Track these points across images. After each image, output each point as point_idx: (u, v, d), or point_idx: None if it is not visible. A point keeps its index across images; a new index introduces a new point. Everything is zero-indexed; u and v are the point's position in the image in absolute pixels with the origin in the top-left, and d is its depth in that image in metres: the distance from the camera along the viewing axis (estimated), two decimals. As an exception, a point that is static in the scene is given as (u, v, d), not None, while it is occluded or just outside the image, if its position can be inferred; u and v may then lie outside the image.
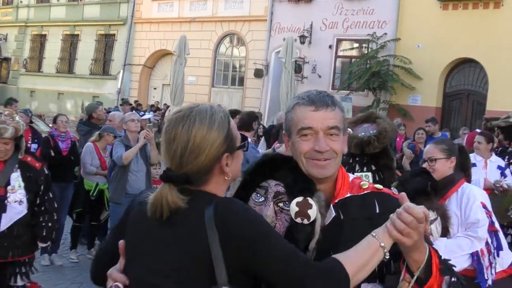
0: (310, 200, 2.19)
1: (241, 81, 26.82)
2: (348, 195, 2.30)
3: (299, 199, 2.20)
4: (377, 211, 2.26)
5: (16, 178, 5.27)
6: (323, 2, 23.20)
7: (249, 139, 9.04)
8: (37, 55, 35.73)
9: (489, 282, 4.33)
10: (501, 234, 4.69)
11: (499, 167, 7.69)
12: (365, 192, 2.32)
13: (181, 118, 2.13)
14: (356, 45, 22.93)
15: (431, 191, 4.37)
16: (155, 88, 30.14)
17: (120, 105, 17.30)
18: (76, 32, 33.36)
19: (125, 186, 7.86)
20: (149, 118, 12.07)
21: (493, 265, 4.44)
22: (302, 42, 22.87)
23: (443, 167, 4.61)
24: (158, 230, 2.09)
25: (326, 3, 23.07)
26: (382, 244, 2.01)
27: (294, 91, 17.16)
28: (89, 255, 8.82)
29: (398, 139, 14.29)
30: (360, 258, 2.03)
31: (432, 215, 4.16)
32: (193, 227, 2.02)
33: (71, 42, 33.76)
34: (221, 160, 2.13)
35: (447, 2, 19.96)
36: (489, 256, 4.41)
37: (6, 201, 5.17)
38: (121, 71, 30.37)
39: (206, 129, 2.09)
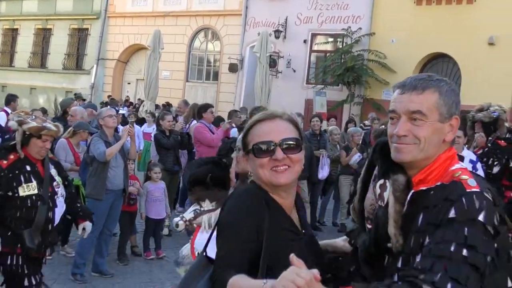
0: (387, 183, 2.22)
1: (216, 76, 26.81)
2: (433, 185, 2.12)
3: (381, 181, 2.26)
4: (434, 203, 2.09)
5: (55, 174, 5.46)
6: (298, -4, 23.23)
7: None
8: (9, 49, 35.27)
9: None
10: None
11: (471, 161, 7.76)
12: (450, 181, 2.11)
13: None
14: (330, 39, 22.88)
15: (210, 182, 4.14)
16: (129, 83, 30.01)
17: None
18: (48, 26, 32.94)
19: (105, 182, 7.79)
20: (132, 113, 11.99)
21: None
22: (277, 37, 22.90)
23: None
24: None
25: (301, -3, 23.10)
26: None
27: (269, 86, 17.19)
28: (62, 251, 8.72)
29: (371, 133, 14.34)
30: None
31: (208, 205, 4.10)
32: None
33: (43, 37, 33.37)
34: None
35: (420, -2, 20.11)
36: None
37: (56, 197, 5.37)
38: (95, 65, 30.19)
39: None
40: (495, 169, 8.18)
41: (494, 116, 8.25)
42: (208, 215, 4.08)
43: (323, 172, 11.08)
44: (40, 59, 33.44)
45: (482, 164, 8.10)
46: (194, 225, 4.15)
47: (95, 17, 30.57)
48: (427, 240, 1.98)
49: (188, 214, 4.20)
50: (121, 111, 13.28)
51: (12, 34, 35.22)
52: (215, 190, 4.12)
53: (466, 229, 1.89)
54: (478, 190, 1.97)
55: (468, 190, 1.97)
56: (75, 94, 24.23)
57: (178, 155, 10.92)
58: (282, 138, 2.33)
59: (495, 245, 1.94)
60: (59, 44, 32.11)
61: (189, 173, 4.23)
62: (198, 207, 4.14)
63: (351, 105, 21.07)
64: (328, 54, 22.69)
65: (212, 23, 26.59)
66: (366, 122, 16.24)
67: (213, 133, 10.66)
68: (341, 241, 2.69)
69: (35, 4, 33.65)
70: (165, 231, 9.78)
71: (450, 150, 2.19)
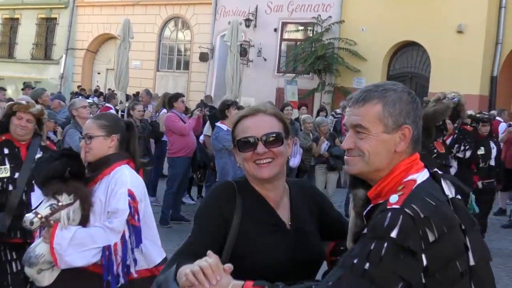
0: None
1: (186, 65, 26.73)
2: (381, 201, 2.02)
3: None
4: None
5: None
6: (268, -15, 23.22)
7: (225, 126, 9.08)
8: (-26, 39, 34.72)
9: (122, 281, 3.86)
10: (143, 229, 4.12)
11: None
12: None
13: None
14: (301, 28, 22.96)
15: (68, 175, 3.84)
16: (99, 73, 29.80)
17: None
18: (16, 16, 32.59)
19: None
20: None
21: (127, 262, 3.91)
22: (247, 26, 22.91)
23: (100, 146, 3.96)
24: None
25: (271, -14, 23.10)
26: None
27: (240, 75, 17.11)
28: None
29: (343, 120, 14.43)
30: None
31: (66, 199, 3.79)
32: None
33: (11, 26, 32.98)
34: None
35: (390, -14, 20.21)
36: (123, 252, 3.86)
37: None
38: (64, 55, 29.91)
39: None
40: (468, 154, 8.34)
41: (456, 101, 8.40)
42: (67, 209, 3.79)
43: (294, 160, 11.11)
44: (7, 49, 33.05)
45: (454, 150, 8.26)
46: (52, 222, 3.76)
47: (63, 6, 30.20)
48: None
49: (44, 210, 3.76)
50: (89, 100, 13.21)
51: (-22, 24, 34.63)
52: (72, 183, 3.86)
53: (373, 244, 1.83)
54: (396, 207, 1.87)
55: (388, 207, 1.89)
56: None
57: (148, 145, 10.87)
58: (264, 133, 2.40)
59: (424, 262, 1.83)
60: (27, 34, 31.69)
61: (42, 169, 3.90)
62: (54, 201, 3.77)
63: (322, 94, 21.16)
64: (298, 43, 22.74)
65: (182, 12, 26.47)
66: (338, 110, 16.35)
67: (184, 122, 10.68)
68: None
69: (2, -8, 33.23)
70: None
71: (410, 158, 2.08)
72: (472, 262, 1.94)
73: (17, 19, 32.51)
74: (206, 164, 11.20)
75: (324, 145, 11.30)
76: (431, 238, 1.83)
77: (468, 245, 1.95)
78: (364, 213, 2.08)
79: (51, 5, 30.76)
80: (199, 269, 1.94)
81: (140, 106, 11.43)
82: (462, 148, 8.37)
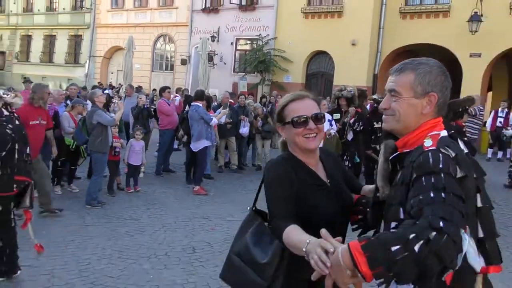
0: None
1: (172, 67, 26.39)
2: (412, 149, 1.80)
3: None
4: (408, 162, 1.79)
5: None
6: (226, 12, 22.99)
7: (201, 104, 9.01)
8: (25, 49, 33.81)
9: None
10: None
11: (328, 120, 7.96)
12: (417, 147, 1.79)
13: None
14: (249, 42, 22.87)
15: None
16: (112, 73, 29.26)
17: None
18: (53, 33, 31.84)
19: (107, 140, 7.71)
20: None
21: None
22: (213, 40, 22.66)
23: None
24: None
25: (228, 13, 22.87)
26: (304, 249, 1.70)
27: (208, 74, 17.01)
28: (69, 188, 8.54)
29: (277, 105, 14.43)
30: (292, 239, 1.83)
31: None
32: None
33: (50, 40, 32.09)
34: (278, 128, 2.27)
35: (307, 13, 20.15)
36: None
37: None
38: (88, 61, 29.42)
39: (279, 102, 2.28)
40: (361, 128, 8.37)
41: (352, 92, 8.47)
42: None
43: (243, 130, 11.13)
44: (48, 56, 32.18)
45: (353, 126, 8.27)
46: None
47: (86, 27, 29.62)
48: (410, 194, 1.63)
49: None
50: (106, 91, 12.97)
51: (27, 39, 33.77)
52: None
53: (432, 179, 1.57)
54: (433, 148, 1.66)
55: (425, 150, 1.67)
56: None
57: (145, 122, 10.67)
58: (313, 113, 2.16)
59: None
60: (61, 46, 31.08)
61: None
62: None
63: (263, 87, 21.14)
64: (247, 52, 22.58)
65: (169, 31, 26.08)
66: (272, 98, 16.38)
67: (169, 105, 10.67)
68: (368, 187, 2.36)
69: (43, 17, 32.53)
70: (141, 174, 9.66)
71: (435, 120, 1.83)
72: (479, 204, 1.71)
73: (54, 35, 31.71)
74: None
75: (259, 122, 11.37)
76: (459, 174, 1.62)
77: (480, 188, 1.72)
78: (391, 158, 1.88)
79: (78, 26, 30.19)
80: (326, 258, 1.56)
81: (142, 95, 11.26)
82: (356, 126, 8.38)
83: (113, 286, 4.65)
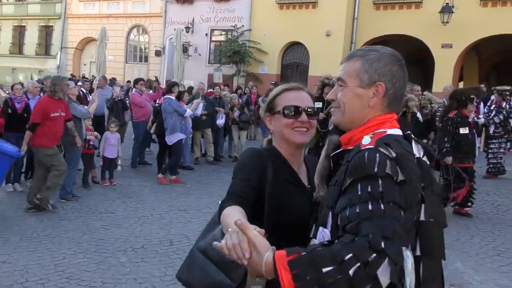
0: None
1: (146, 59, 26.10)
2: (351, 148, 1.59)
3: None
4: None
5: None
6: (201, 3, 22.83)
7: (173, 97, 8.96)
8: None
9: None
10: None
11: None
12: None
13: None
14: (223, 33, 22.76)
15: None
16: (85, 64, 28.78)
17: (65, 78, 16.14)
18: (23, 24, 30.94)
19: (82, 132, 7.65)
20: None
21: None
22: (187, 31, 22.49)
23: None
24: None
25: (203, 4, 22.72)
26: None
27: (183, 65, 16.81)
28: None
29: (252, 96, 14.47)
30: None
31: None
32: None
33: (19, 31, 31.22)
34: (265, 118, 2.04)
35: (282, 4, 20.18)
36: None
37: None
38: (59, 52, 28.76)
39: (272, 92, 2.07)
40: None
41: (333, 81, 8.46)
42: None
43: (219, 121, 11.11)
44: (18, 47, 31.27)
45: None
46: None
47: (57, 17, 28.92)
48: (342, 201, 1.43)
49: None
50: (79, 84, 12.74)
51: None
52: None
53: (369, 186, 1.36)
54: (371, 146, 1.44)
55: (362, 148, 1.45)
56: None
57: (120, 114, 10.54)
58: (307, 106, 1.93)
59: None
60: (31, 36, 30.26)
61: None
62: None
63: (238, 78, 21.10)
64: (222, 43, 22.46)
65: (142, 22, 25.75)
66: (247, 89, 16.39)
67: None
68: None
69: (12, 8, 31.60)
70: (119, 168, 9.56)
71: (386, 115, 1.58)
72: (422, 217, 1.45)
73: (24, 26, 30.88)
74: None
75: (236, 113, 11.35)
76: (400, 177, 1.38)
77: (424, 199, 1.45)
78: (332, 155, 1.67)
79: (49, 17, 29.43)
80: (237, 244, 1.34)
81: (116, 87, 11.12)
82: None
83: (89, 281, 4.61)
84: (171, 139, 8.97)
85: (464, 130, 7.13)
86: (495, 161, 10.29)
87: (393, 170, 1.38)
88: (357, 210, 1.34)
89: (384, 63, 1.57)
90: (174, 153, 9.13)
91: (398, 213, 1.33)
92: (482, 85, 11.36)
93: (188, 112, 9.12)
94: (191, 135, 10.45)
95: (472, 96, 7.30)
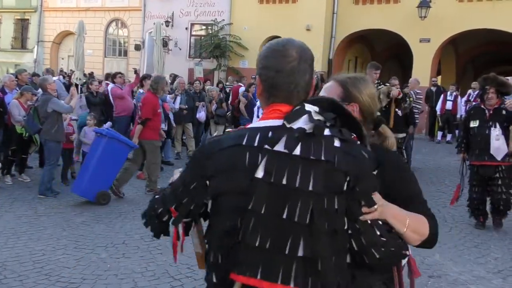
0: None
1: (125, 53, 25.76)
2: None
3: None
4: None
5: None
6: (180, -3, 22.66)
7: (142, 91, 8.82)
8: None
9: None
10: None
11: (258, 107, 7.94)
12: None
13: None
14: (204, 27, 22.60)
15: None
16: (62, 59, 28.26)
17: (25, 70, 15.73)
18: (-3, 17, 30.25)
19: (63, 128, 7.48)
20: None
21: None
22: (167, 25, 22.30)
23: None
24: None
25: (182, -2, 22.56)
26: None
27: (163, 60, 16.70)
28: (20, 178, 8.26)
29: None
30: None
31: None
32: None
33: (-7, 25, 30.55)
34: None
35: (262, -2, 20.14)
36: None
37: None
38: (36, 46, 28.17)
39: None
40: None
41: (317, 77, 8.50)
42: None
43: (200, 115, 11.06)
44: (-8, 41, 30.62)
45: None
46: None
47: (33, 10, 28.26)
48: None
49: None
50: (55, 78, 12.53)
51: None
52: None
53: None
54: None
55: None
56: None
57: (103, 109, 10.47)
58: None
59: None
60: (7, 30, 29.43)
61: None
62: None
63: (219, 72, 21.01)
64: (202, 37, 22.31)
65: (121, 16, 25.39)
66: (228, 83, 16.37)
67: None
68: None
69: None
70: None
71: (268, 107, 1.56)
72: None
73: (-1, 19, 30.21)
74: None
75: (214, 106, 11.32)
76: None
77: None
78: None
79: (24, 10, 28.71)
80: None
81: (96, 82, 10.96)
82: None
83: (69, 277, 4.55)
84: None
85: (474, 123, 6.33)
86: None
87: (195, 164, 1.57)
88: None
89: (261, 56, 1.58)
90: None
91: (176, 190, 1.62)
92: (415, 78, 11.20)
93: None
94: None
95: (486, 87, 6.27)
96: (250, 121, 8.75)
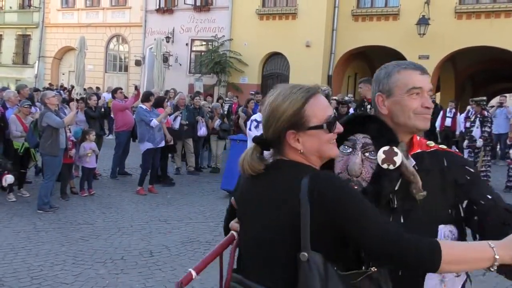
0: (396, 149, 1.66)
1: (126, 68, 25.88)
2: (419, 150, 1.80)
3: (386, 148, 1.66)
4: (445, 164, 1.77)
5: None
6: (181, 13, 22.80)
7: (145, 106, 8.88)
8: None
9: None
10: None
11: (256, 121, 7.43)
12: (432, 149, 1.83)
13: (271, 93, 1.61)
14: (204, 43, 22.74)
15: None
16: (63, 74, 28.40)
17: (26, 86, 15.86)
18: (-1, 33, 30.51)
19: (58, 142, 7.43)
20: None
21: None
22: (168, 41, 22.45)
23: None
24: (252, 187, 1.62)
25: (183, 14, 22.70)
26: (497, 257, 1.39)
27: (163, 75, 16.83)
28: (19, 193, 8.24)
29: (234, 106, 14.47)
30: (463, 253, 1.43)
31: None
32: (285, 193, 1.49)
33: (-5, 40, 30.80)
34: (285, 135, 1.54)
35: (262, 15, 20.27)
36: None
37: None
38: (37, 61, 28.36)
39: (279, 102, 1.55)
40: None
41: (326, 92, 8.52)
42: None
43: (201, 131, 11.06)
44: (-6, 56, 30.83)
45: None
46: None
47: (35, 26, 28.53)
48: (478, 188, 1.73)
49: None
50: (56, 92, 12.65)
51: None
52: None
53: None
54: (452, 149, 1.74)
55: (449, 150, 1.87)
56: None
57: (102, 123, 10.57)
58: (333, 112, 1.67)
59: None
60: (8, 46, 29.75)
61: None
62: None
63: (219, 87, 21.09)
64: (202, 53, 22.46)
65: (122, 32, 25.57)
66: (227, 98, 16.44)
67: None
68: None
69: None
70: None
71: None
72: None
73: (1, 35, 30.40)
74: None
75: (217, 122, 11.30)
76: None
77: None
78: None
79: (26, 25, 29.03)
80: None
81: (94, 96, 11.00)
82: None
83: (67, 293, 4.52)
84: (140, 148, 9.02)
85: None
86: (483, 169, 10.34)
87: None
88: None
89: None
90: (142, 163, 9.18)
91: None
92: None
93: (154, 122, 8.88)
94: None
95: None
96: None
